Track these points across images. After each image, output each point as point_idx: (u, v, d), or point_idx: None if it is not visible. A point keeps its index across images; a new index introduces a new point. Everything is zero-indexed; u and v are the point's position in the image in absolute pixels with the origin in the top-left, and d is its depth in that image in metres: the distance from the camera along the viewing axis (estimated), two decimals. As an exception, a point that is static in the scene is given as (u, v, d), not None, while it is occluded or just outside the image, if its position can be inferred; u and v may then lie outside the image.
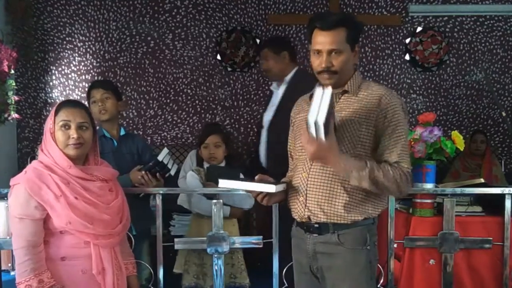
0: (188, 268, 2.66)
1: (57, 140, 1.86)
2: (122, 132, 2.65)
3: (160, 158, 2.40)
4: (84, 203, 1.81)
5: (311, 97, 1.92)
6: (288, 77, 3.29)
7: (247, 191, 1.95)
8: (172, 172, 2.51)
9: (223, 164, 2.82)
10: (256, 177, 1.86)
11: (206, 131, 2.86)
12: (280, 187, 1.82)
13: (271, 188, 1.76)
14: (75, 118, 1.87)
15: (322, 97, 1.60)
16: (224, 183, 1.86)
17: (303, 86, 2.93)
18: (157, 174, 2.42)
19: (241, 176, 2.72)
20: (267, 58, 3.35)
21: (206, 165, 2.80)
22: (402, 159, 1.78)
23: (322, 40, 1.78)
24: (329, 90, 1.60)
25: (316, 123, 1.60)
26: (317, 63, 1.81)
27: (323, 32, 1.79)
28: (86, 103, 2.65)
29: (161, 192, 2.43)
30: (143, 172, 2.40)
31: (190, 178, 2.73)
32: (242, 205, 2.79)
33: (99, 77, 5.01)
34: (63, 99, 4.97)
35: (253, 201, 2.80)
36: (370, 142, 1.79)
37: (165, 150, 2.45)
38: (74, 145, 1.85)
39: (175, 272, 2.72)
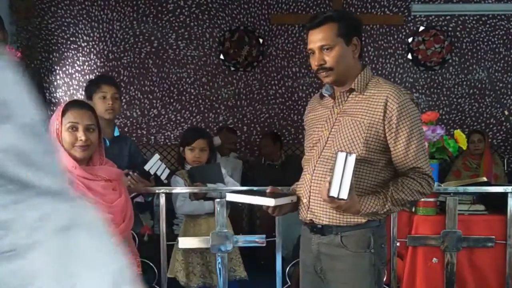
0: (193, 269, 2.66)
1: (63, 141, 1.84)
2: (116, 133, 2.63)
3: (147, 167, 2.40)
4: (87, 202, 1.79)
5: (321, 96, 1.90)
6: None
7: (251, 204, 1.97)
8: (163, 177, 2.51)
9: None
10: (268, 189, 1.89)
11: (194, 135, 2.87)
12: (283, 200, 1.79)
13: (270, 201, 1.74)
14: (83, 120, 1.86)
15: (345, 164, 1.55)
16: (231, 197, 1.88)
17: None
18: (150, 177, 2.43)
19: (223, 170, 2.77)
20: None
21: (187, 166, 2.83)
22: (418, 160, 1.71)
23: (312, 38, 1.76)
24: (353, 157, 1.56)
25: (338, 198, 1.57)
26: (313, 63, 1.78)
27: (313, 30, 1.77)
28: (84, 96, 2.61)
29: (163, 191, 2.44)
30: (130, 174, 2.37)
31: (176, 185, 2.77)
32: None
33: (103, 77, 5.03)
34: (67, 98, 4.99)
35: None
36: (378, 145, 1.72)
37: (156, 157, 2.47)
38: (82, 147, 1.84)
39: (169, 276, 2.64)
